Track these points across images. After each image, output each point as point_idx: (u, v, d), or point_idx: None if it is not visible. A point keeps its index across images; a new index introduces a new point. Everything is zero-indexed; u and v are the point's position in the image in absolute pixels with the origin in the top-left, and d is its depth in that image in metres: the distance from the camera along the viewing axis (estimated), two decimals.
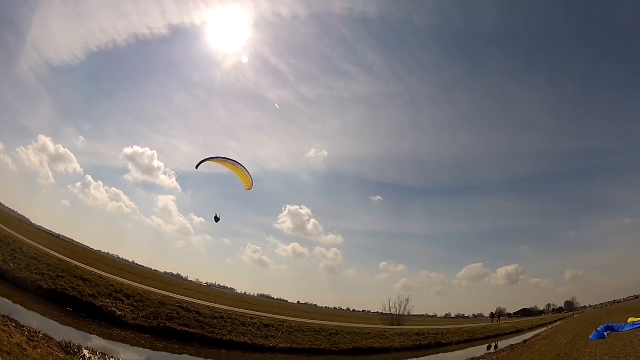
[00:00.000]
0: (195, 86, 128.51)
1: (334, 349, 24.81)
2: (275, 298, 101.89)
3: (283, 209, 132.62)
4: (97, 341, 13.88)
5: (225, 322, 21.77)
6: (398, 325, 46.38)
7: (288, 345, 22.38)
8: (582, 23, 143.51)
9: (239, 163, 27.16)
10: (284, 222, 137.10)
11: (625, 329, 23.48)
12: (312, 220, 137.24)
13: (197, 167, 26.21)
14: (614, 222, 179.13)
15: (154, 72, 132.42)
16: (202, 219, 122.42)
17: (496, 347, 36.32)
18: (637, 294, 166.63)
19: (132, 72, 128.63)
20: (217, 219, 28.62)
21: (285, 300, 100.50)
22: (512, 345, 32.44)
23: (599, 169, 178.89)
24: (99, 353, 11.70)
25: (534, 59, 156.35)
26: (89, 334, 14.49)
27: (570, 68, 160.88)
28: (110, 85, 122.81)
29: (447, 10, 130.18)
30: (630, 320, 26.89)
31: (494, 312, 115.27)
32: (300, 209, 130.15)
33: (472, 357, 25.97)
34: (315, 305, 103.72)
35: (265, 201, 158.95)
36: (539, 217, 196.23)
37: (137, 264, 76.06)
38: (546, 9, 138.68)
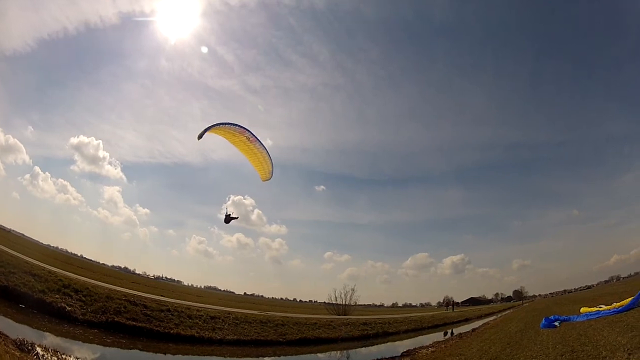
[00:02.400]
0: (142, 75, 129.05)
1: (281, 339, 25.90)
2: (222, 290, 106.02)
3: (227, 198, 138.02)
4: (49, 338, 15.19)
5: (172, 315, 22.81)
6: (344, 315, 48.80)
7: (235, 337, 23.47)
8: (532, 18, 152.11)
9: (257, 139, 23.26)
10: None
11: (578, 319, 24.49)
12: (256, 211, 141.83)
13: (200, 138, 21.77)
14: (562, 213, 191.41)
15: (103, 61, 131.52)
16: (147, 210, 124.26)
17: (452, 333, 38.57)
18: (588, 284, 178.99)
19: (81, 61, 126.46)
20: (229, 218, 26.73)
21: (232, 292, 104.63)
22: (460, 333, 34.13)
23: (546, 162, 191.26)
24: (51, 350, 13.13)
25: (482, 52, 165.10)
26: (41, 331, 15.73)
27: (518, 62, 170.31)
28: (59, 74, 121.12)
29: (397, 2, 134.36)
30: (583, 310, 28.18)
31: (442, 301, 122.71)
32: (244, 199, 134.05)
33: (420, 345, 26.74)
34: (262, 296, 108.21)
35: (209, 191, 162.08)
36: (484, 208, 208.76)
37: (85, 258, 76.08)
38: (497, 3, 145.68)
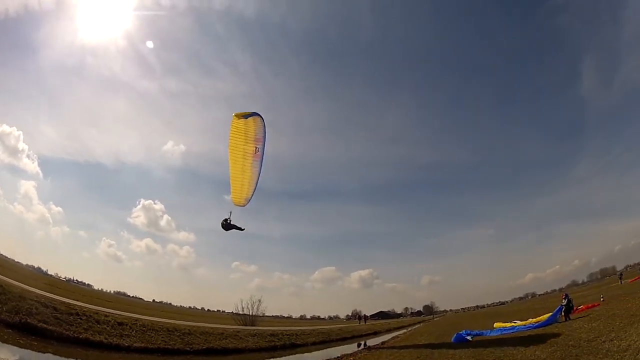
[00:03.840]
0: (68, 69, 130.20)
1: (188, 349, 26.84)
2: (132, 295, 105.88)
3: (137, 202, 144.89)
4: None
5: (81, 319, 23.70)
6: (252, 325, 50.60)
7: (142, 344, 24.41)
8: (454, 43, 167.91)
9: (261, 158, 22.28)
10: (138, 216, 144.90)
11: (491, 334, 25.27)
12: (165, 216, 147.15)
13: (242, 117, 21.00)
14: (477, 232, 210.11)
15: (36, 48, 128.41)
16: (60, 209, 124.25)
17: (365, 344, 40.45)
18: (502, 300, 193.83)
19: (14, 46, 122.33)
20: (231, 226, 24.38)
21: (141, 299, 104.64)
22: (369, 347, 34.83)
23: (462, 182, 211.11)
24: None
25: (402, 73, 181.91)
26: None
27: (438, 85, 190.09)
28: None
29: (323, 19, 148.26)
30: (497, 325, 29.62)
31: (351, 314, 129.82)
32: (154, 204, 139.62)
33: (328, 357, 27.78)
34: (171, 304, 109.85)
35: (120, 194, 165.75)
36: (395, 225, 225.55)
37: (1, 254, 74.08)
38: (422, 28, 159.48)
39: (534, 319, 26.37)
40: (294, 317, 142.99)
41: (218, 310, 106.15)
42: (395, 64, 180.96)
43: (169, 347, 26.39)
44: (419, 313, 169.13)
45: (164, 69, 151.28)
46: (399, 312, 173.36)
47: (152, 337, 26.65)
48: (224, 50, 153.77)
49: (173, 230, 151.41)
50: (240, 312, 56.78)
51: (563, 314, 24.37)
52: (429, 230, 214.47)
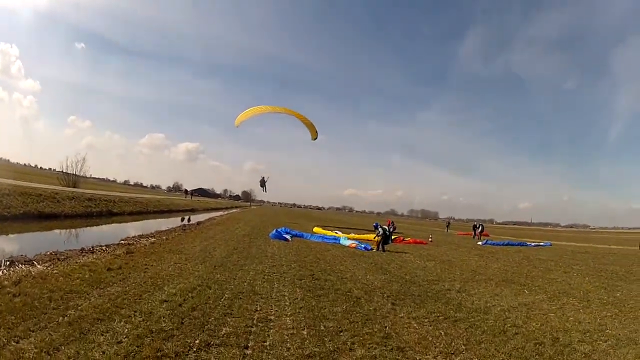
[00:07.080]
0: None
1: (6, 213, 26.01)
2: None
3: None
4: None
5: None
6: (74, 187, 50.13)
7: None
8: None
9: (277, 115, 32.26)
10: None
11: (311, 238, 26.41)
12: (18, 62, 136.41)
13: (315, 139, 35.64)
14: (308, 135, 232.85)
15: None
16: None
17: (189, 220, 42.88)
18: (320, 206, 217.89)
19: None
20: (264, 184, 38.99)
21: None
22: (184, 226, 34.97)
23: (306, 84, 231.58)
24: None
25: None
26: None
27: None
28: None
29: None
30: (317, 230, 31.98)
31: (172, 186, 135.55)
32: (11, 47, 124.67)
33: (141, 233, 25.55)
34: (9, 160, 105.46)
35: None
36: (230, 104, 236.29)
37: None
38: None
39: (357, 235, 28.30)
40: (118, 181, 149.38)
41: (50, 169, 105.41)
42: None
43: None
44: (237, 197, 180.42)
45: None
46: (218, 192, 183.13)
47: None
48: None
49: (22, 78, 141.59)
50: (64, 171, 54.79)
51: (380, 242, 22.90)
52: (261, 119, 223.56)
